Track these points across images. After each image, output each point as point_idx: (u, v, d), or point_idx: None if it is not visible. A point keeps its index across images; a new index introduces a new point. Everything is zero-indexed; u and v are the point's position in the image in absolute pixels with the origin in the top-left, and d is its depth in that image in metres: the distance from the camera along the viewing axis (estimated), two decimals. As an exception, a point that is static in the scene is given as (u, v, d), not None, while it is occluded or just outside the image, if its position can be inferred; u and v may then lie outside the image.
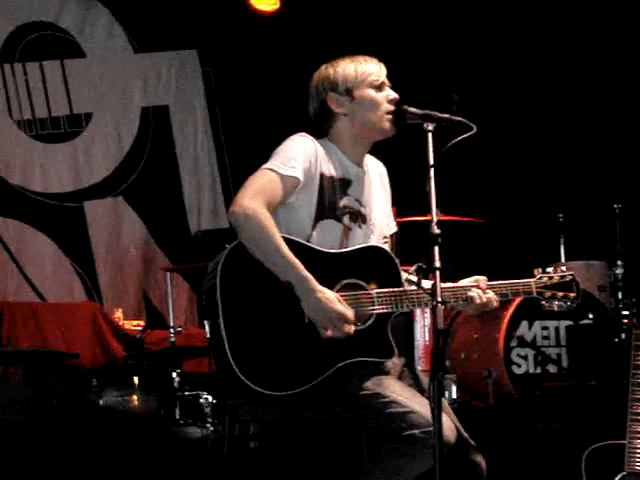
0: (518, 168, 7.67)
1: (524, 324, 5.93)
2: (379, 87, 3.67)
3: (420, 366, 5.81)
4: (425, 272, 3.23)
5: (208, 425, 5.60)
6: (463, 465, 3.48)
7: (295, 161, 3.50)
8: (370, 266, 3.51)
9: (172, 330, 6.31)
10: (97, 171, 7.95)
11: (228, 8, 7.91)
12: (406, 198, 4.58)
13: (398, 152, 4.57)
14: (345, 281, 3.46)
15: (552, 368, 5.98)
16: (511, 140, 7.71)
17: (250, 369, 3.31)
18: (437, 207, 3.27)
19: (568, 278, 3.75)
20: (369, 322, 3.45)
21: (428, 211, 3.27)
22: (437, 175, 3.28)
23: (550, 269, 3.75)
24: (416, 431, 3.31)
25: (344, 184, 3.64)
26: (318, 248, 3.49)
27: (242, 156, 8.03)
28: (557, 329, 6.02)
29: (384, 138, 3.70)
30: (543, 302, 3.73)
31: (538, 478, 5.11)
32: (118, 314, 6.97)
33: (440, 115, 3.45)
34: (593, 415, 5.28)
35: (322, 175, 3.57)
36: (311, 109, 3.73)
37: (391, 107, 3.64)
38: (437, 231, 3.20)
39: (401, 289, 3.49)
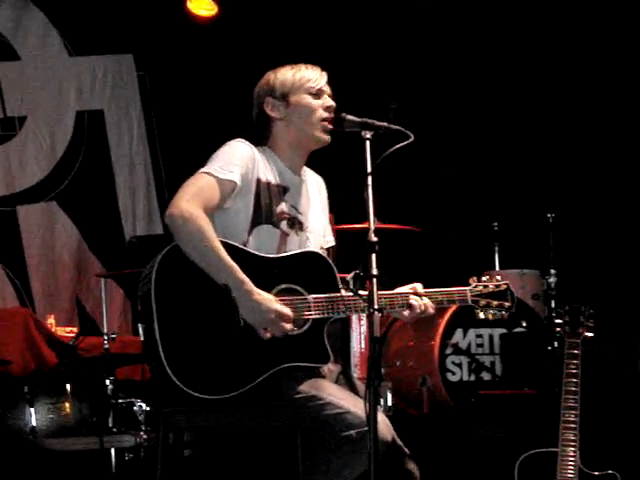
0: (453, 177, 7.72)
1: (459, 332, 5.97)
2: (316, 94, 3.67)
3: (356, 373, 5.82)
4: (362, 280, 3.23)
5: (142, 433, 5.56)
6: (397, 474, 3.49)
7: (233, 165, 3.50)
8: (307, 271, 3.50)
9: (106, 337, 6.24)
10: (30, 175, 7.84)
11: (165, 13, 7.86)
12: (343, 206, 4.58)
13: (335, 159, 4.57)
14: (282, 286, 3.45)
15: (486, 376, 6.02)
16: (447, 149, 7.76)
17: (184, 372, 3.29)
18: (374, 215, 3.27)
19: (503, 287, 3.77)
20: (305, 327, 3.44)
21: (365, 219, 3.27)
22: (374, 183, 3.29)
23: (485, 278, 3.77)
24: (352, 432, 3.32)
25: (280, 190, 3.64)
26: (255, 252, 3.48)
27: (177, 162, 7.99)
28: (491, 337, 6.07)
29: (319, 147, 3.71)
30: (477, 310, 3.74)
31: (471, 485, 5.15)
32: (51, 320, 6.86)
33: (378, 123, 3.46)
34: (526, 423, 5.32)
35: (259, 181, 3.57)
36: (253, 115, 3.75)
37: (326, 114, 3.65)
38: (374, 239, 3.19)
39: (337, 294, 3.49)
